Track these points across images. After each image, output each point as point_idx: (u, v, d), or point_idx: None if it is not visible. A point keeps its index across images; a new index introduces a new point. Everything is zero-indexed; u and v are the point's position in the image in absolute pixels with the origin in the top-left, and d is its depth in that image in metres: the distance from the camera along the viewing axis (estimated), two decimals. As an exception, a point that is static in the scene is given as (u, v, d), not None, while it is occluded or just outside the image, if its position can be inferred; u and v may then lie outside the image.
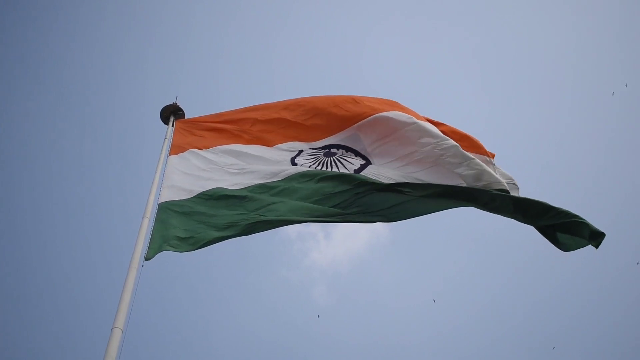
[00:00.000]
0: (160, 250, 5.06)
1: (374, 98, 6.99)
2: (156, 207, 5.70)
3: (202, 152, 6.85)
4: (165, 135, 7.23)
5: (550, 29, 24.19)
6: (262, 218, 5.50)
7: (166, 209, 5.68)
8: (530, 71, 23.93)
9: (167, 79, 21.47)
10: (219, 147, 6.91)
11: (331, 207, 5.68)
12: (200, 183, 6.21)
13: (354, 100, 6.95)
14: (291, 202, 5.71)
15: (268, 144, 6.94)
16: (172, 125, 7.51)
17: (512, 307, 18.03)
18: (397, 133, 6.32)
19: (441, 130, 6.23)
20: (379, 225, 21.25)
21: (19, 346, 15.02)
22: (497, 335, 17.22)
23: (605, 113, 20.95)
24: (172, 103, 7.79)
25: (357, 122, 6.67)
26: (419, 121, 6.26)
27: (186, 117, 7.75)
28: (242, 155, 6.73)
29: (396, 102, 6.84)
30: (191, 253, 5.24)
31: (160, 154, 6.72)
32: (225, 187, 6.11)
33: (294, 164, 6.42)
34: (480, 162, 5.71)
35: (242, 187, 6.07)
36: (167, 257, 5.17)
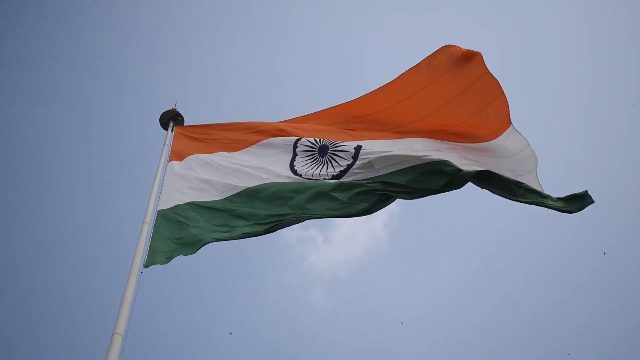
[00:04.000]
0: (157, 261, 5.05)
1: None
2: (156, 213, 5.71)
3: (203, 157, 6.84)
4: (165, 141, 7.21)
5: (553, 31, 24.26)
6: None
7: (165, 216, 5.68)
8: (534, 75, 23.91)
9: (167, 85, 21.47)
10: (221, 153, 6.92)
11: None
12: (200, 188, 6.22)
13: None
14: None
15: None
16: (172, 131, 7.52)
17: (516, 315, 17.66)
18: None
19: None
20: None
21: (19, 353, 14.99)
22: (501, 344, 16.99)
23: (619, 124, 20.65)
24: (171, 108, 7.79)
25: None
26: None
27: (186, 123, 7.77)
28: (243, 160, 6.73)
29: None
30: (191, 257, 5.25)
31: (160, 159, 6.72)
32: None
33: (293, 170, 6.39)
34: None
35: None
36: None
